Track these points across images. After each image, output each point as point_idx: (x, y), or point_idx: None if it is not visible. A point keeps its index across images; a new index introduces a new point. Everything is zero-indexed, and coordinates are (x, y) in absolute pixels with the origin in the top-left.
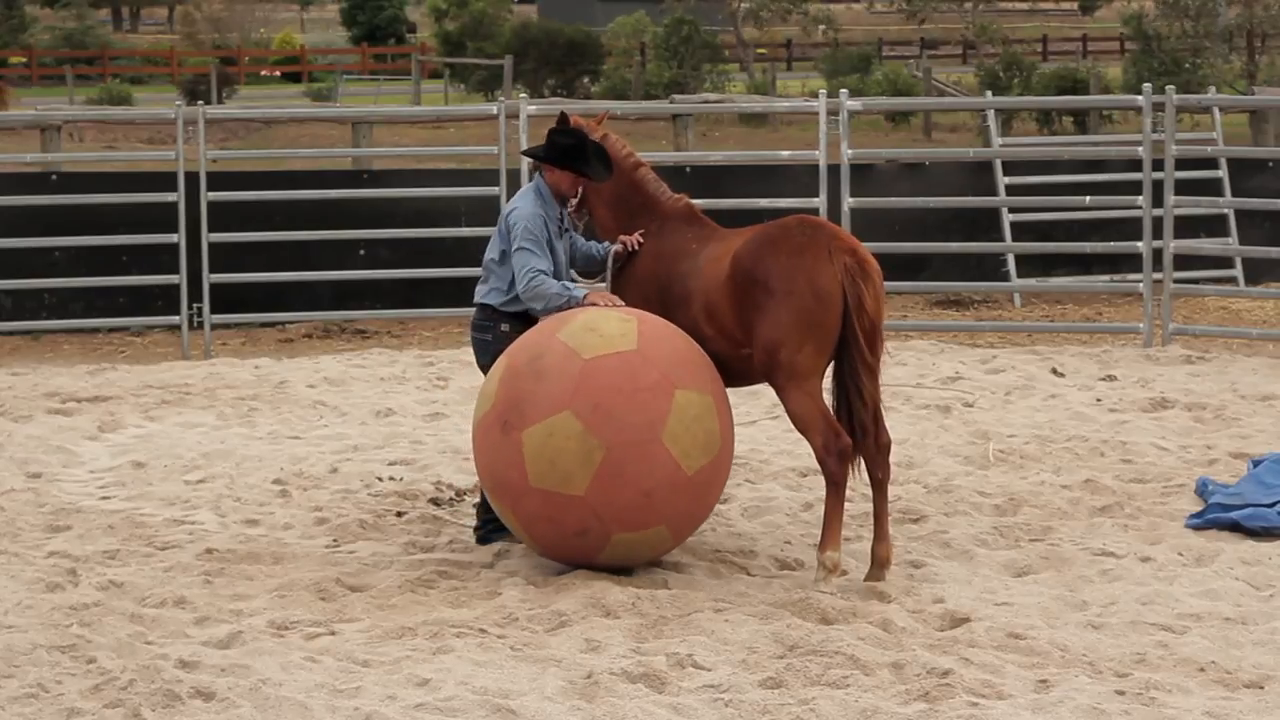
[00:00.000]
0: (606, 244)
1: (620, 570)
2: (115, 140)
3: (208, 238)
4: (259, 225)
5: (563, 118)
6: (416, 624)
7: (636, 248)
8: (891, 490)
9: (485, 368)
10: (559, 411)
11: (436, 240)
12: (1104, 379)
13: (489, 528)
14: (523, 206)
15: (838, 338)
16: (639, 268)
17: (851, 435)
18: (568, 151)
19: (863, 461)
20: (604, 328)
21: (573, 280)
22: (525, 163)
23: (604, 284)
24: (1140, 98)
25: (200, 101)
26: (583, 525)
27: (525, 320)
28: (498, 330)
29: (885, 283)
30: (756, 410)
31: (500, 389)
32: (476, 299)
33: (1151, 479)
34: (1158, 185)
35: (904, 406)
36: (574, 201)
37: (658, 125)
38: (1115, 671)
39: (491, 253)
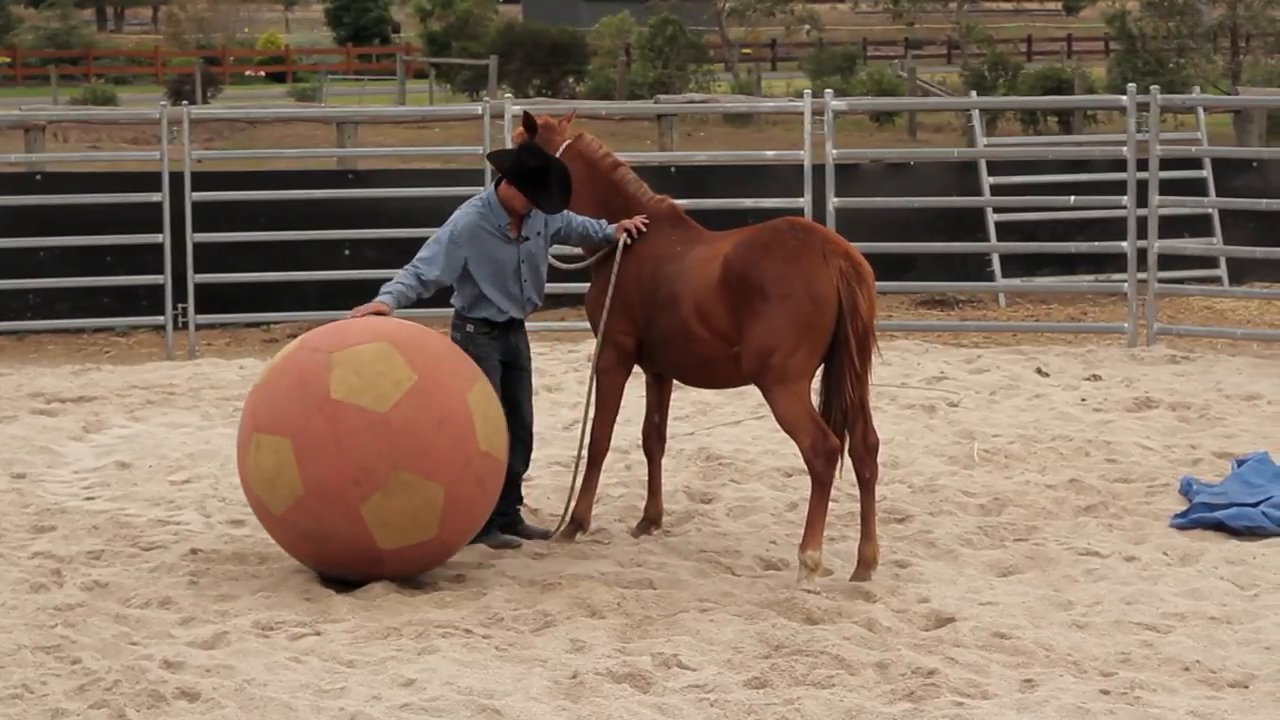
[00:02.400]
0: (603, 223)
1: (605, 569)
2: (100, 140)
3: (192, 238)
4: (244, 225)
5: (526, 118)
6: (402, 624)
7: (638, 234)
8: (877, 490)
9: None
10: (391, 474)
11: (422, 240)
12: (1089, 379)
13: None
14: (463, 212)
15: (830, 341)
16: (623, 269)
17: (839, 436)
18: (527, 174)
19: (850, 462)
20: (372, 368)
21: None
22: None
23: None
24: (1124, 98)
25: (185, 102)
26: (439, 557)
27: (488, 323)
28: (464, 330)
29: None
30: (742, 410)
31: (301, 473)
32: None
33: (1136, 479)
34: (1142, 185)
35: (889, 406)
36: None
37: (642, 125)
38: (1100, 671)
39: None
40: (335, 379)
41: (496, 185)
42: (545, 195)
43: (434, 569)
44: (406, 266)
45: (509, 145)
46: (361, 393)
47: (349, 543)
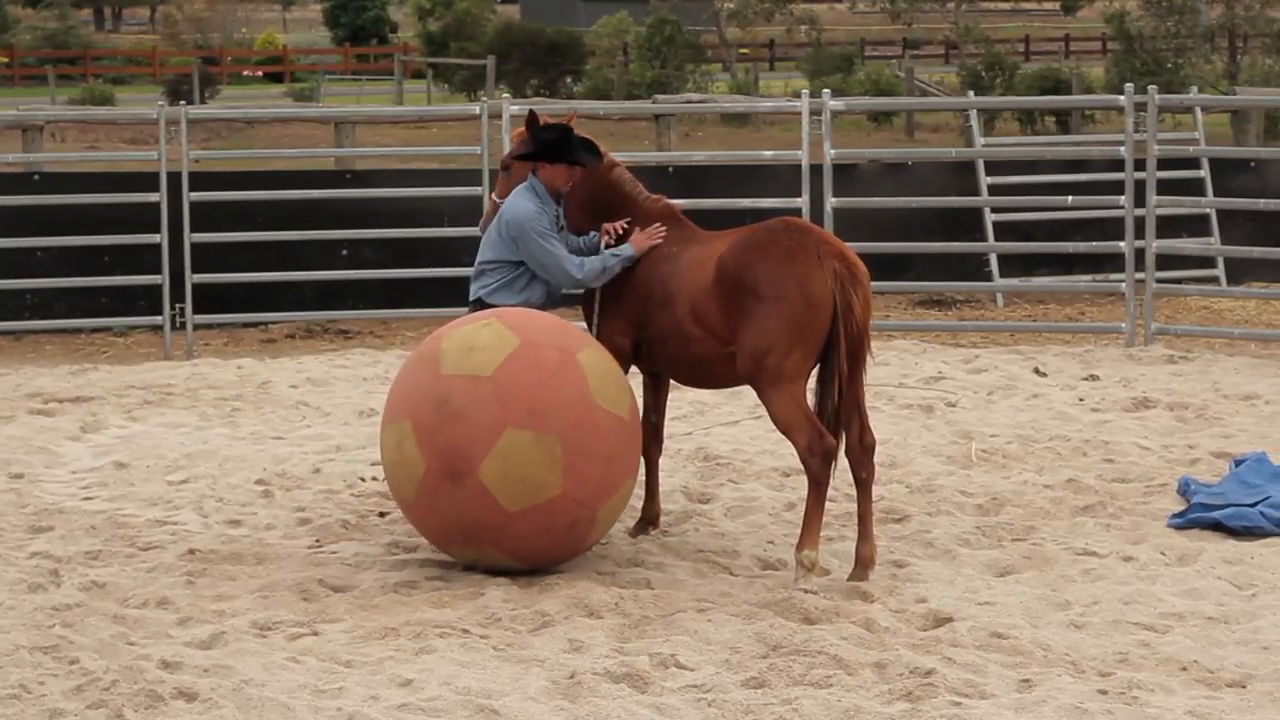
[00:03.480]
0: (591, 234)
1: (603, 569)
2: (97, 140)
3: (190, 238)
4: (241, 225)
5: (531, 116)
6: (399, 624)
7: (620, 234)
8: (874, 490)
9: None
10: (501, 434)
11: (419, 240)
12: (1086, 379)
13: None
14: (523, 206)
15: (825, 342)
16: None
17: (835, 436)
18: (556, 145)
19: (847, 462)
20: (479, 341)
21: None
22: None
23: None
24: (1122, 98)
25: (182, 102)
26: (571, 518)
27: None
28: None
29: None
30: (739, 410)
31: (421, 450)
32: (470, 295)
33: (1134, 479)
34: (1140, 185)
35: (887, 406)
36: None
37: (640, 125)
38: (1098, 671)
39: (485, 254)
40: (445, 358)
41: (535, 173)
42: (580, 155)
43: (576, 542)
44: (581, 265)
45: (508, 145)
46: (465, 364)
47: (478, 512)
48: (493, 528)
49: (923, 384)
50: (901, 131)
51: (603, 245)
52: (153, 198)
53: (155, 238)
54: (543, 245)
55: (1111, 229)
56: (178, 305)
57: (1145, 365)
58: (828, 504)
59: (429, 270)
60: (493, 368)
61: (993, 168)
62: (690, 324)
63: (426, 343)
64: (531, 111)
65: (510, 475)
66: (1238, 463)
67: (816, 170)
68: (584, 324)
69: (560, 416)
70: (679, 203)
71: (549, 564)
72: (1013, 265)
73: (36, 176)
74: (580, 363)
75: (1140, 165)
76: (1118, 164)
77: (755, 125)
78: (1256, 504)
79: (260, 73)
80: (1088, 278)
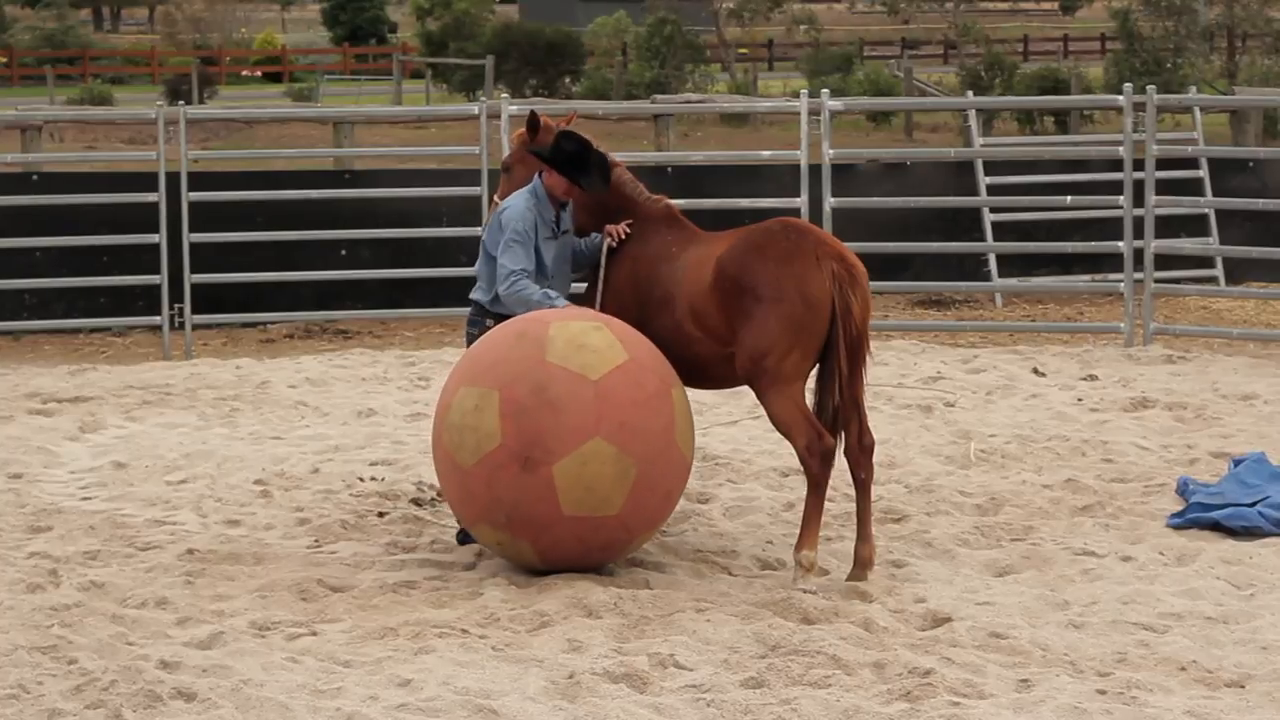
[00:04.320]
0: (594, 237)
1: (602, 569)
2: (96, 140)
3: (189, 238)
4: (240, 225)
5: (533, 116)
6: (398, 624)
7: (624, 237)
8: (873, 490)
9: None
10: (588, 439)
11: (418, 240)
12: (1085, 379)
13: None
14: (515, 204)
15: (823, 343)
16: (617, 270)
17: (834, 436)
18: (568, 158)
19: (846, 462)
20: (590, 342)
21: (552, 289)
22: (505, 155)
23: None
24: (1121, 98)
25: (181, 102)
26: (612, 539)
27: (509, 318)
28: (484, 326)
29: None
30: (738, 410)
31: (503, 424)
32: (471, 294)
33: (1133, 478)
34: (1139, 185)
35: (886, 406)
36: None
37: (639, 125)
38: (1097, 671)
39: (484, 256)
40: (553, 345)
41: (540, 177)
42: (589, 177)
43: (602, 560)
44: (515, 281)
45: (506, 146)
46: (574, 358)
47: (535, 503)
48: (540, 524)
49: (921, 384)
50: (900, 131)
51: (605, 247)
52: (151, 198)
53: (154, 238)
54: (504, 245)
55: (1110, 229)
56: (176, 305)
57: (1144, 365)
58: (826, 504)
59: (427, 270)
60: (600, 373)
61: (991, 168)
62: (689, 325)
63: (526, 321)
64: (533, 112)
65: (581, 481)
66: (1236, 463)
67: (815, 170)
68: None
69: (644, 443)
70: (677, 203)
71: (560, 568)
72: (1011, 265)
73: (35, 177)
74: (673, 397)
75: (1139, 165)
76: (1116, 164)
77: (754, 125)
78: (1255, 504)
79: (259, 73)
80: (1086, 278)
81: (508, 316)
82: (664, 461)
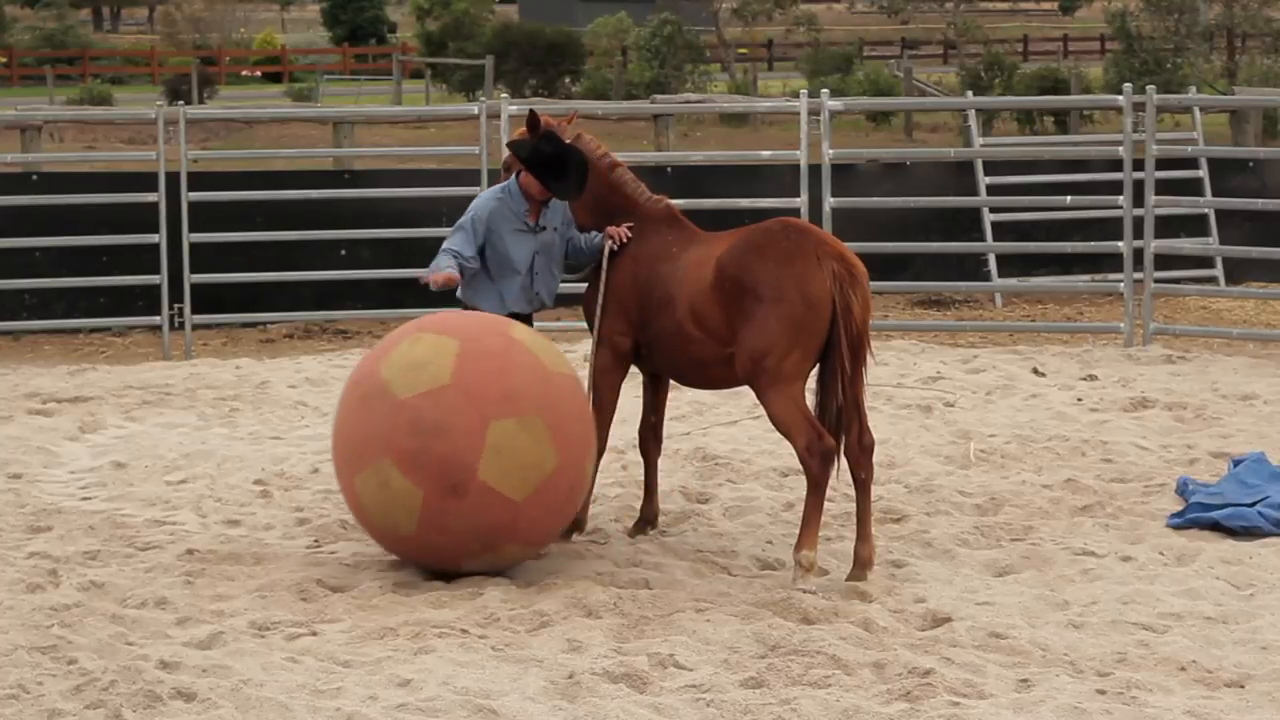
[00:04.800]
0: (594, 235)
1: (601, 569)
2: (96, 140)
3: (189, 238)
4: (240, 225)
5: (532, 116)
6: (398, 624)
7: (625, 240)
8: (873, 490)
9: None
10: (486, 429)
11: (418, 240)
12: (1085, 379)
13: None
14: (483, 198)
15: (824, 342)
16: (618, 270)
17: (834, 436)
18: (543, 160)
19: (846, 462)
20: (417, 356)
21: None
22: (505, 155)
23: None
24: (1121, 98)
25: (181, 102)
26: (568, 484)
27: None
28: None
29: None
30: (738, 410)
31: (411, 479)
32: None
33: (1132, 478)
34: (1138, 185)
35: (885, 406)
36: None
37: (639, 125)
38: (1096, 671)
39: None
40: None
41: (518, 175)
42: (562, 183)
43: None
44: (442, 251)
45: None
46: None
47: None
48: (507, 524)
49: (921, 384)
50: (900, 131)
51: (607, 250)
52: (151, 198)
53: (154, 238)
54: (457, 227)
55: (1110, 229)
56: (176, 305)
57: (1144, 365)
58: (826, 504)
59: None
60: (449, 374)
61: (991, 168)
62: (690, 325)
63: (357, 384)
64: (532, 111)
65: (509, 466)
66: (1236, 463)
67: (815, 170)
68: (586, 324)
69: (530, 395)
70: (677, 203)
71: (554, 541)
72: (1011, 265)
73: (35, 176)
74: (521, 341)
75: (1139, 165)
76: (1116, 164)
77: (754, 125)
78: (1255, 504)
79: (259, 73)
80: (1086, 278)
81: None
82: (555, 395)
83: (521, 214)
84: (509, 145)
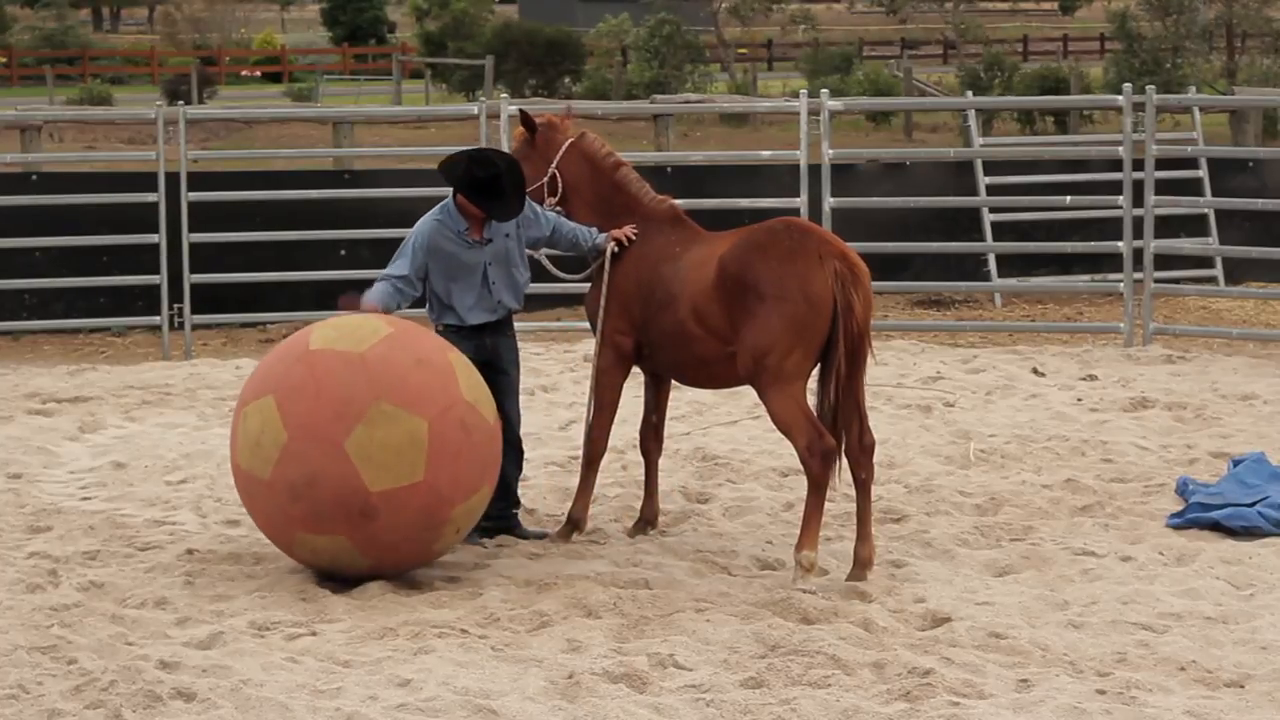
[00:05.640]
0: (593, 231)
1: (601, 569)
2: (95, 140)
3: (188, 238)
4: (240, 225)
5: (524, 116)
6: (398, 624)
7: (628, 243)
8: (873, 490)
9: None
10: (370, 405)
11: None
12: (1085, 379)
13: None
14: (423, 221)
15: (825, 341)
16: (621, 270)
17: (835, 436)
18: (476, 185)
19: (846, 462)
20: (348, 324)
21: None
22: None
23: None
24: (1121, 98)
25: (181, 102)
26: (428, 509)
27: (456, 327)
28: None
29: None
30: (738, 410)
31: (284, 420)
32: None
33: (1132, 478)
34: (1138, 185)
35: (885, 406)
36: (551, 200)
37: (639, 125)
38: (1096, 671)
39: None
40: (315, 335)
41: (454, 193)
42: (498, 203)
43: (429, 543)
44: (380, 278)
45: (506, 147)
46: (338, 341)
47: (338, 487)
48: (353, 511)
49: (921, 384)
50: (900, 131)
51: (610, 251)
52: (151, 198)
53: (153, 238)
54: (398, 253)
55: (1110, 229)
56: (176, 305)
57: (1143, 365)
58: (826, 504)
59: None
60: (365, 346)
61: (991, 168)
62: (692, 324)
63: (292, 337)
64: (522, 111)
65: (374, 449)
66: (1236, 463)
67: (815, 170)
68: (589, 324)
69: (429, 402)
70: (677, 203)
71: (398, 565)
72: (1011, 265)
73: (34, 177)
74: (450, 359)
75: (1138, 165)
76: (1116, 164)
77: (753, 125)
78: (1255, 504)
79: (258, 73)
80: (1086, 278)
81: (454, 328)
82: (455, 419)
83: (462, 232)
84: (439, 168)
